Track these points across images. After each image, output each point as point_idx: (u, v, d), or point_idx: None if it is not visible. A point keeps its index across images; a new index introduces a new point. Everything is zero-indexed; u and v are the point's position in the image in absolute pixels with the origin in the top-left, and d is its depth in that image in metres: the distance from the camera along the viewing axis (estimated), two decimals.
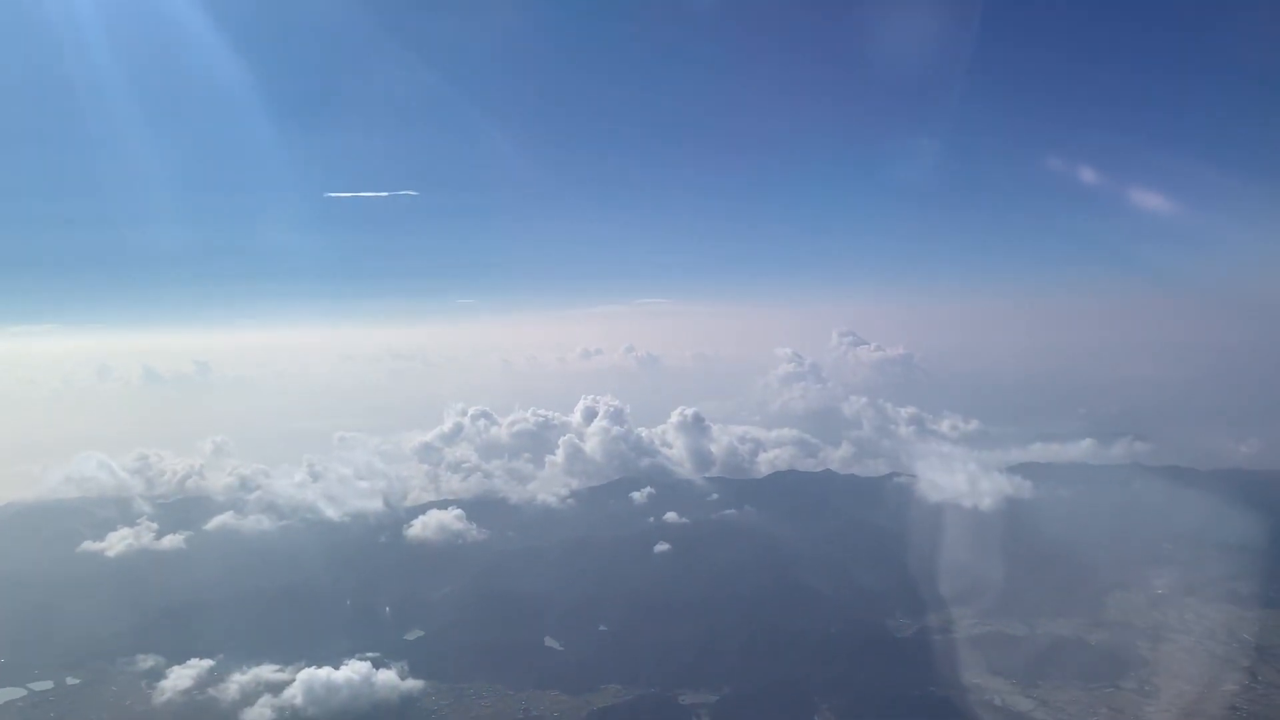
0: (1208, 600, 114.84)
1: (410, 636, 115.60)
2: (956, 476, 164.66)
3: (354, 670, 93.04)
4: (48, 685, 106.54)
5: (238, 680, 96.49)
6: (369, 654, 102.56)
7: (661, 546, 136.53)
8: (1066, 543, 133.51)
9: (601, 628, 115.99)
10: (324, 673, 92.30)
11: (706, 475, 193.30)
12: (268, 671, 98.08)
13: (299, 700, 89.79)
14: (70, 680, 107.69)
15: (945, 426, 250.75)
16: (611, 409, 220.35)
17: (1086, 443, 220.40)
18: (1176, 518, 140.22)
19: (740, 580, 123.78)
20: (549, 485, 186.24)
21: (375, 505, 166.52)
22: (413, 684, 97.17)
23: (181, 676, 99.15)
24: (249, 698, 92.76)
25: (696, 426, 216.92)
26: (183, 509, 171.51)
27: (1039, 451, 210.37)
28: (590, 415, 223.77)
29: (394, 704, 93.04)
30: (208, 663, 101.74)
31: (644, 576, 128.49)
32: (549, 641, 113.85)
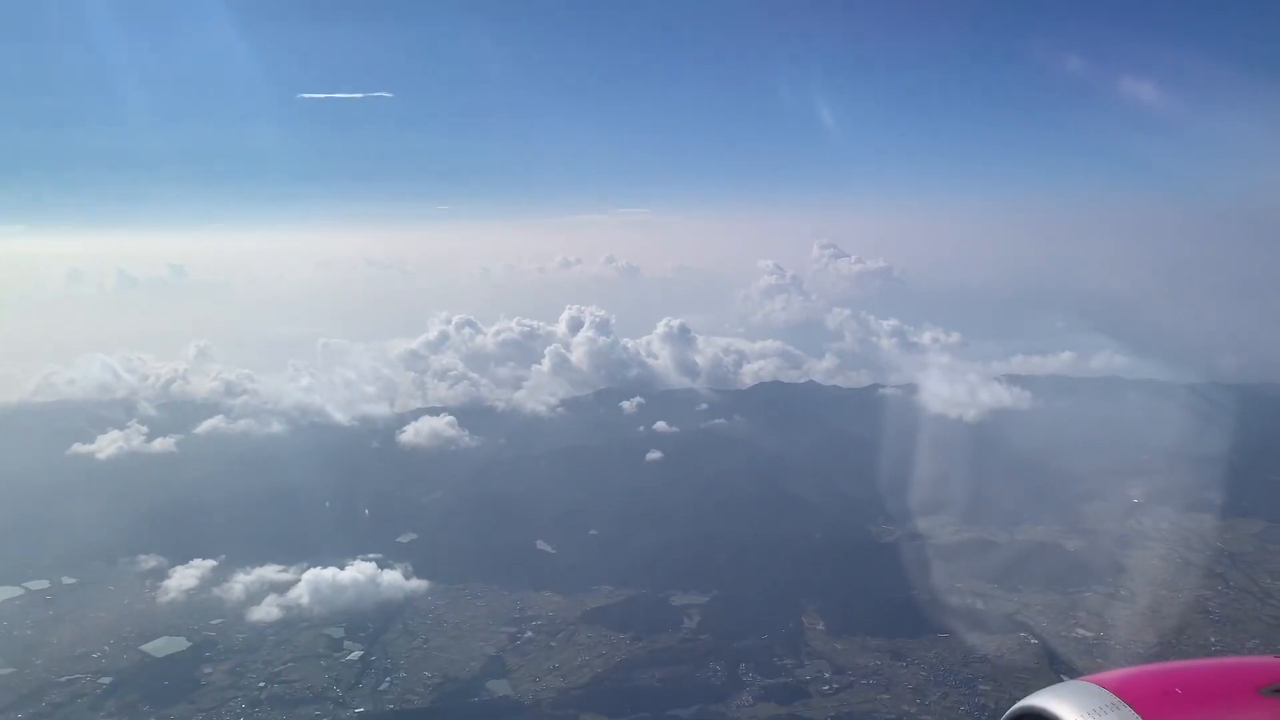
0: (1182, 509, 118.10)
1: (403, 539, 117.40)
2: (939, 387, 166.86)
3: (359, 570, 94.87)
4: (44, 585, 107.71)
5: (242, 580, 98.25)
6: (367, 555, 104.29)
7: (653, 454, 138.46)
8: (1045, 453, 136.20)
9: (592, 532, 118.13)
10: (329, 573, 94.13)
11: (692, 386, 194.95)
12: (271, 572, 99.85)
13: (305, 599, 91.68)
14: (66, 580, 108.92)
15: (927, 339, 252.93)
16: (597, 319, 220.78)
17: (1066, 355, 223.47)
18: (1153, 429, 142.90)
19: (728, 488, 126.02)
20: (536, 394, 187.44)
21: (365, 411, 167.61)
22: (417, 584, 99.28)
23: (185, 576, 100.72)
24: (254, 597, 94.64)
25: (682, 338, 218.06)
26: (171, 413, 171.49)
27: (1019, 364, 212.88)
28: (576, 325, 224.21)
29: (399, 603, 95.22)
30: (210, 563, 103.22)
31: (633, 483, 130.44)
32: (540, 545, 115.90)
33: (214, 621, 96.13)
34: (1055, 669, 79.87)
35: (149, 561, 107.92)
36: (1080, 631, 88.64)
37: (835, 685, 79.67)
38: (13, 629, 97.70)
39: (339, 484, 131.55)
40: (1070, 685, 3.25)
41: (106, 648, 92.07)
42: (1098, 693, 3.12)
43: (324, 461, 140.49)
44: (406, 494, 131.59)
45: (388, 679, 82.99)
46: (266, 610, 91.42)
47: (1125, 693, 3.09)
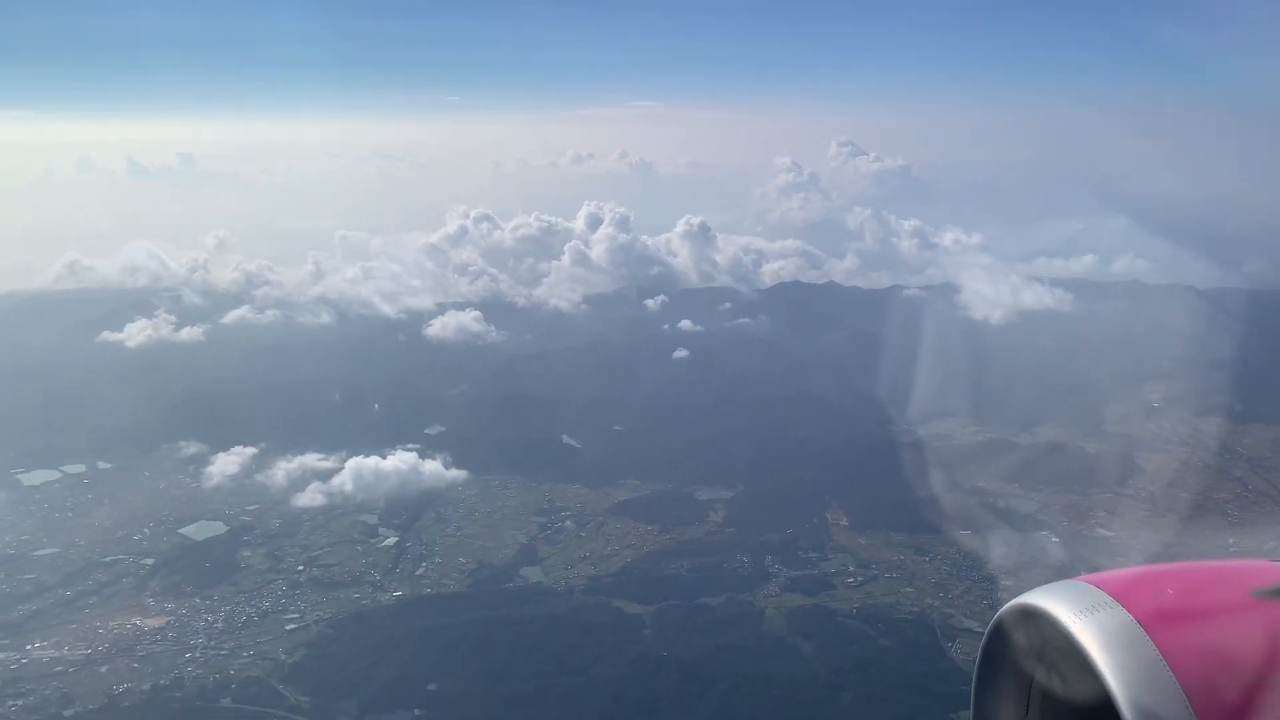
0: (1202, 414, 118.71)
1: (431, 431, 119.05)
2: (964, 288, 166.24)
3: (401, 459, 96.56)
4: (80, 469, 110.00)
5: (284, 467, 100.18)
6: (399, 446, 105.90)
7: (680, 353, 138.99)
8: (1065, 356, 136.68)
9: (616, 428, 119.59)
10: (371, 461, 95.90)
11: (711, 285, 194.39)
12: (313, 460, 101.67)
13: (349, 486, 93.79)
14: (102, 465, 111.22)
15: (948, 240, 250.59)
16: (616, 216, 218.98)
17: (1088, 259, 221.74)
18: (1174, 333, 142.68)
19: (751, 387, 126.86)
20: (557, 290, 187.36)
21: (390, 305, 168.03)
22: (456, 473, 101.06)
23: (227, 463, 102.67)
24: (297, 484, 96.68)
25: (703, 236, 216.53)
26: (196, 303, 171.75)
27: (1041, 267, 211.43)
28: (594, 222, 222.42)
29: (432, 492, 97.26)
30: (251, 450, 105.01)
31: (658, 381, 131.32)
32: (566, 440, 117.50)
33: (250, 507, 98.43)
34: (1076, 567, 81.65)
35: (188, 448, 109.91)
36: (1100, 531, 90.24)
37: (859, 578, 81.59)
38: (53, 511, 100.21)
39: (366, 376, 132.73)
40: (1063, 584, 3.31)
41: (146, 530, 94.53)
42: (1090, 591, 3.15)
43: (351, 354, 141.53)
44: (433, 387, 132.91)
45: (423, 564, 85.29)
46: (311, 497, 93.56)
47: (1117, 592, 3.09)
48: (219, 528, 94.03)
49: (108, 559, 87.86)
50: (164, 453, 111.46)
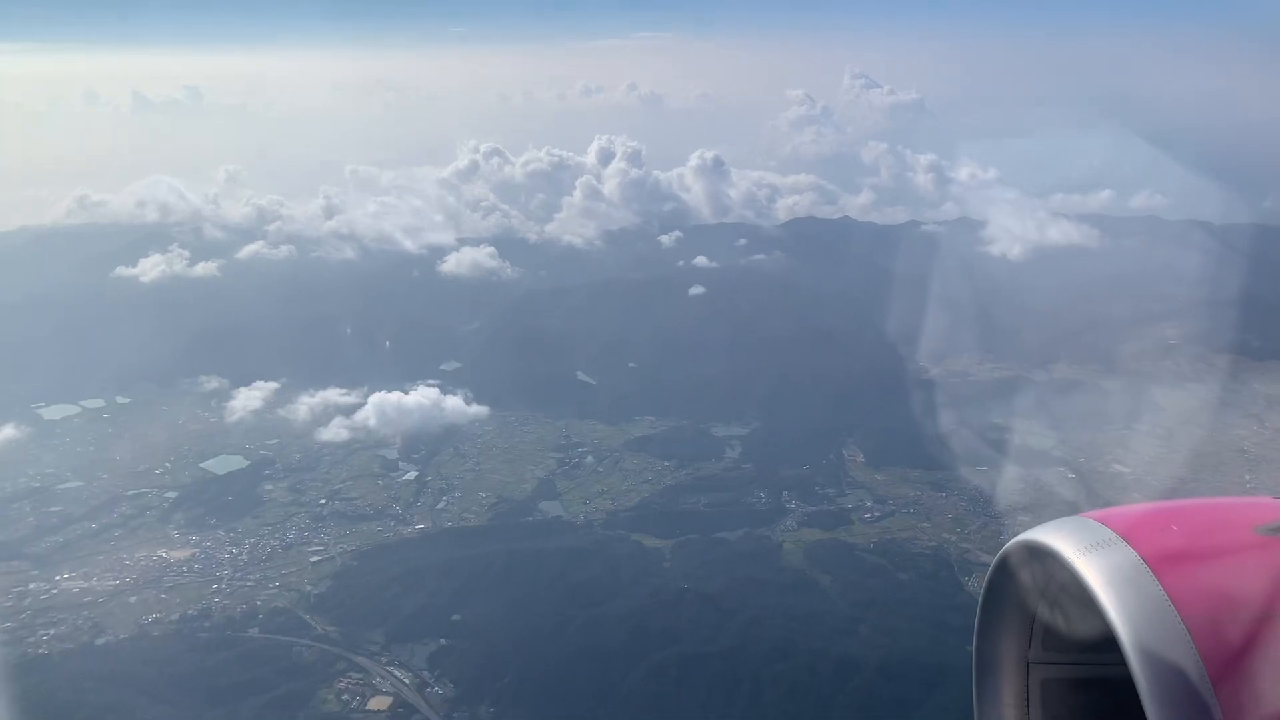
0: (1218, 350, 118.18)
1: (447, 367, 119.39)
2: (982, 223, 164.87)
3: (423, 395, 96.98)
4: (99, 403, 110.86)
5: (307, 402, 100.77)
6: (416, 383, 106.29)
7: (696, 289, 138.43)
8: (1083, 291, 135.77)
9: (631, 365, 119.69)
10: (394, 396, 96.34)
11: (725, 221, 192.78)
12: (335, 395, 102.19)
13: (372, 422, 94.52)
14: (120, 399, 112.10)
15: (964, 175, 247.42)
16: (629, 150, 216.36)
17: (1105, 193, 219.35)
18: (1192, 269, 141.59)
19: (767, 323, 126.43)
20: (568, 226, 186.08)
21: (404, 240, 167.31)
22: (478, 409, 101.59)
23: (250, 397, 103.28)
24: (320, 419, 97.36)
25: (716, 170, 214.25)
26: (209, 238, 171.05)
27: (1058, 202, 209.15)
28: (606, 156, 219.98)
29: (458, 427, 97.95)
30: (273, 385, 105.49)
31: (672, 317, 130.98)
32: (581, 376, 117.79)
33: (269, 442, 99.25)
34: (1092, 503, 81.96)
35: (208, 383, 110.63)
36: (1117, 467, 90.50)
37: (876, 513, 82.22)
38: (75, 445, 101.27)
39: (382, 312, 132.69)
40: (1067, 520, 3.26)
41: (168, 464, 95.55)
42: (1094, 528, 3.13)
43: (365, 289, 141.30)
44: (447, 323, 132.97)
45: (444, 498, 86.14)
46: (335, 432, 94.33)
47: (1121, 528, 3.08)
48: (240, 462, 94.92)
49: (131, 492, 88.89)
50: (183, 388, 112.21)
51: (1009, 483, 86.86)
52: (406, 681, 58.50)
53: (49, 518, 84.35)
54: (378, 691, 57.48)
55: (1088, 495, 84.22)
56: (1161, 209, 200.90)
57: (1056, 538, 3.17)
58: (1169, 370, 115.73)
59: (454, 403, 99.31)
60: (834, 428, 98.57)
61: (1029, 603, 3.51)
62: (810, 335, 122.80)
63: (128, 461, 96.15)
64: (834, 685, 55.88)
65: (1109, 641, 2.85)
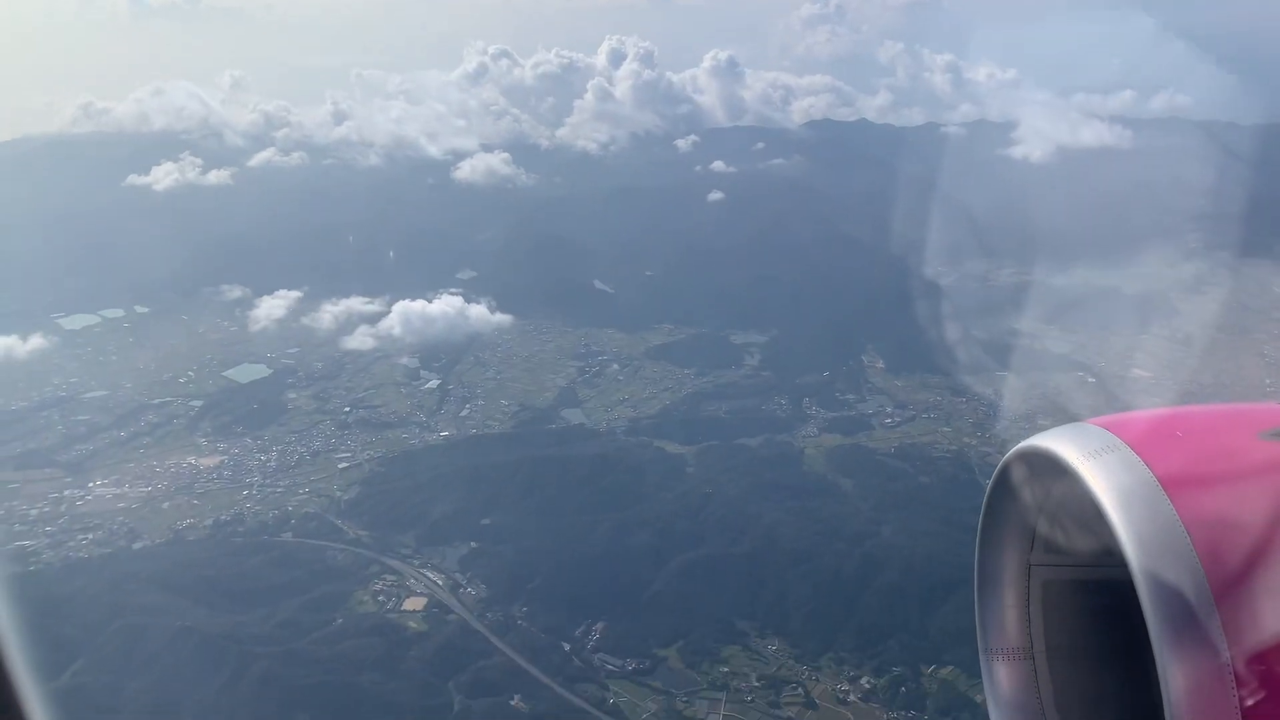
0: (1240, 255, 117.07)
1: (463, 275, 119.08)
2: (999, 125, 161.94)
3: (447, 304, 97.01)
4: (119, 313, 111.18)
5: (330, 311, 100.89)
6: (438, 291, 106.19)
7: (715, 195, 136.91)
8: (1103, 195, 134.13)
9: (648, 273, 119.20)
10: (418, 305, 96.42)
11: (740, 123, 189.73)
12: (358, 303, 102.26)
13: (397, 330, 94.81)
14: (139, 309, 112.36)
15: (982, 75, 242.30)
16: (640, 51, 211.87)
17: (1126, 94, 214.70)
18: (1215, 172, 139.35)
19: (786, 229, 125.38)
20: (581, 131, 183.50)
21: (415, 147, 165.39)
22: (502, 318, 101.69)
23: (272, 306, 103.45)
24: (345, 327, 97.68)
25: (730, 71, 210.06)
26: (219, 146, 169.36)
27: (1079, 103, 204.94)
28: (617, 58, 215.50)
29: (479, 336, 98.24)
30: (295, 294, 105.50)
31: (690, 224, 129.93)
32: (598, 285, 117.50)
33: (290, 351, 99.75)
34: (1112, 407, 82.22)
35: (230, 291, 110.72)
36: (1137, 372, 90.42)
37: (897, 419, 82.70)
38: (97, 354, 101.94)
39: (396, 220, 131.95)
40: (1072, 427, 3.23)
41: (191, 373, 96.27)
42: (1098, 433, 3.12)
43: (379, 197, 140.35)
44: (462, 231, 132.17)
45: (467, 406, 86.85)
46: (360, 340, 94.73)
47: (1125, 434, 3.07)
48: (262, 370, 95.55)
49: (156, 401, 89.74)
50: (202, 297, 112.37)
51: (1028, 387, 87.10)
52: (439, 583, 59.80)
53: (77, 426, 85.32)
54: (412, 593, 58.82)
55: (1107, 400, 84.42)
56: (1184, 110, 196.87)
57: (1059, 443, 3.17)
58: (1190, 274, 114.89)
59: (478, 311, 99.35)
60: (853, 334, 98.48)
61: (1032, 507, 3.53)
62: (829, 241, 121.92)
63: (151, 370, 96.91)
64: (857, 585, 56.97)
65: (1110, 545, 2.87)
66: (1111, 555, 2.89)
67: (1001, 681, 3.67)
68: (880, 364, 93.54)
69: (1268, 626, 2.66)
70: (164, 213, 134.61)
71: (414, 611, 57.02)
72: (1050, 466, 3.22)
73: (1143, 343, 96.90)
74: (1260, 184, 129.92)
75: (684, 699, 50.34)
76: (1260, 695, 2.60)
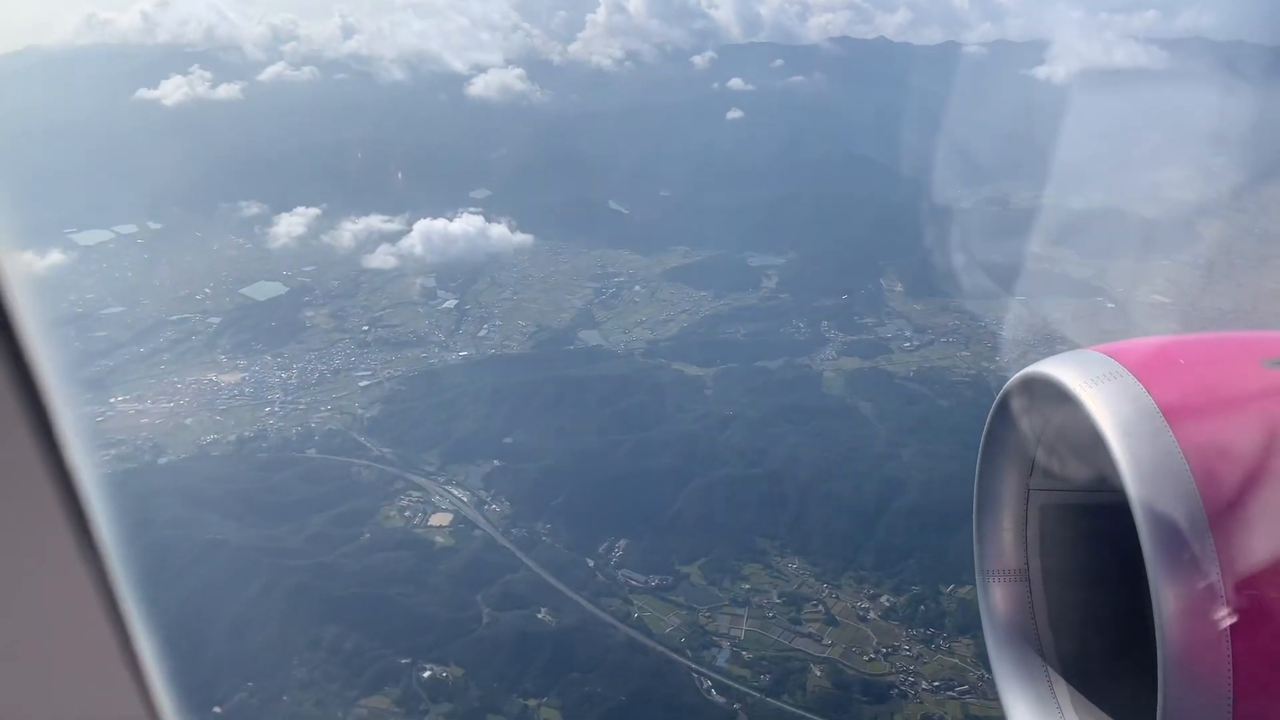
0: (1261, 178, 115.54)
1: (477, 194, 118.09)
2: (1020, 45, 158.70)
3: (469, 223, 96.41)
4: (132, 229, 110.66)
5: (350, 229, 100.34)
6: (455, 209, 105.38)
7: (734, 114, 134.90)
8: (1123, 116, 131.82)
9: (664, 193, 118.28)
10: (440, 224, 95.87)
11: (757, 40, 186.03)
12: (378, 221, 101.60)
13: (418, 249, 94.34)
14: (152, 225, 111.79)
15: None
16: None
17: (1150, 14, 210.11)
18: (1237, 93, 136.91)
19: (803, 149, 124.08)
20: (593, 46, 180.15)
21: (428, 61, 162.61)
22: (522, 238, 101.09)
23: (292, 223, 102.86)
24: (365, 245, 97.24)
25: None
26: (227, 59, 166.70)
27: (1101, 21, 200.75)
28: None
29: (495, 256, 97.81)
30: (314, 211, 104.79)
31: (706, 143, 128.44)
32: (613, 205, 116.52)
33: (306, 269, 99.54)
34: (1131, 333, 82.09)
35: (247, 208, 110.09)
36: (1156, 297, 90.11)
37: (915, 342, 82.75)
38: (112, 270, 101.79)
39: (408, 136, 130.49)
40: (1074, 353, 3.21)
41: (207, 290, 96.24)
42: (1101, 360, 3.10)
43: (392, 113, 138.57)
44: (475, 149, 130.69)
45: (485, 326, 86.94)
46: (382, 259, 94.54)
47: (1128, 361, 3.06)
48: (279, 288, 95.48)
49: (174, 318, 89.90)
50: (220, 213, 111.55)
51: (1048, 312, 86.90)
52: (464, 500, 60.52)
53: (95, 342, 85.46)
54: (437, 509, 59.58)
55: (1126, 325, 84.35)
56: (1209, 29, 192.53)
57: (1062, 370, 3.16)
58: (1210, 198, 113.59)
59: (499, 231, 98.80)
60: (871, 256, 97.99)
61: (1033, 432, 3.53)
62: (847, 162, 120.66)
63: (167, 287, 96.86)
64: (878, 505, 57.61)
65: (1108, 471, 2.89)
66: (1109, 481, 2.91)
67: (997, 602, 3.72)
68: (899, 287, 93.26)
69: (1260, 552, 2.70)
70: (175, 127, 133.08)
71: (440, 527, 57.83)
72: (1052, 393, 3.22)
73: (1162, 268, 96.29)
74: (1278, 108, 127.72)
75: (706, 614, 51.26)
76: (1249, 618, 2.64)
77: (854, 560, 54.55)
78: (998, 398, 3.58)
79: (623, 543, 56.14)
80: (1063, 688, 3.60)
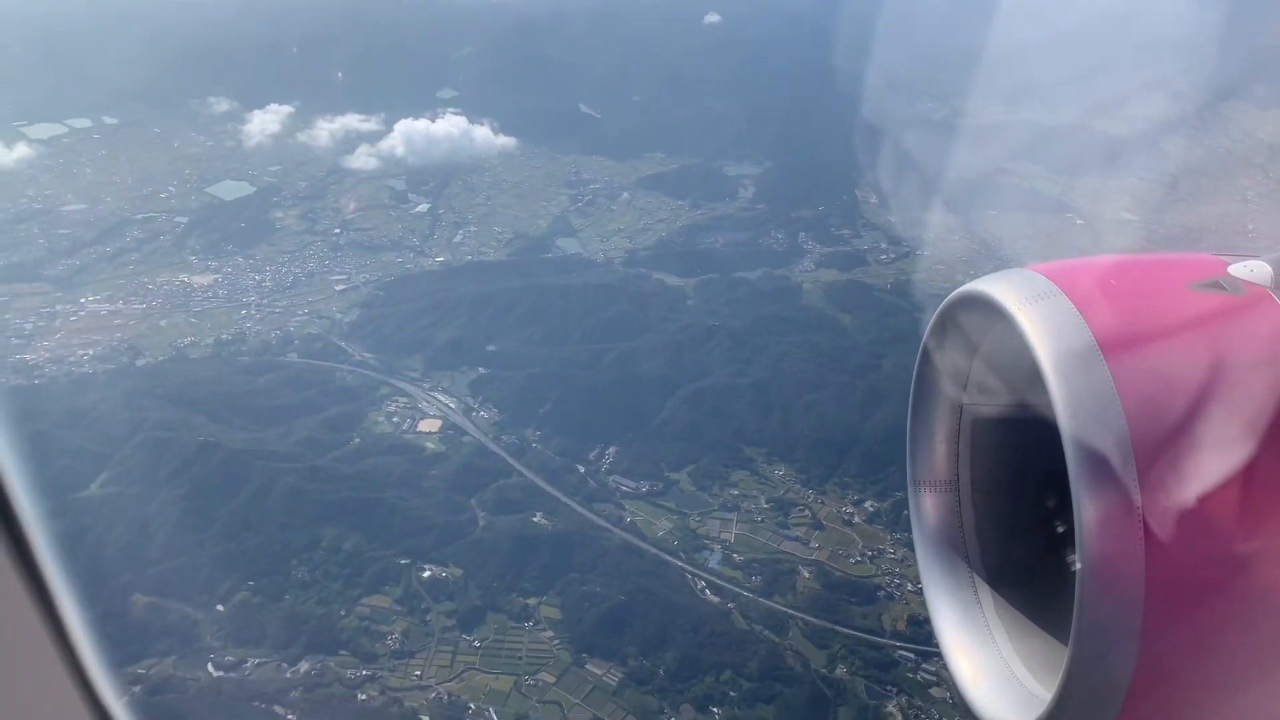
0: (1224, 97, 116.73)
1: (443, 95, 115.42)
2: None
3: (451, 123, 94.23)
4: (86, 124, 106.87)
5: (326, 128, 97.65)
6: (434, 111, 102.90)
7: (711, 18, 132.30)
8: (1096, 30, 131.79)
9: (636, 98, 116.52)
10: (422, 124, 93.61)
11: None
12: (355, 121, 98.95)
13: (400, 150, 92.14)
14: (107, 119, 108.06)
15: None
16: None
17: None
18: (1199, 10, 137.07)
19: (779, 57, 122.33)
20: None
21: None
22: (506, 140, 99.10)
23: (266, 121, 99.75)
24: (343, 146, 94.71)
25: None
26: None
27: None
28: None
29: (475, 161, 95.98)
30: (287, 109, 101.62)
31: (678, 48, 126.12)
32: (585, 109, 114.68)
33: (272, 168, 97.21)
34: (1100, 250, 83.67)
35: (216, 104, 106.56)
36: (1124, 214, 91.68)
37: (892, 255, 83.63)
38: (70, 166, 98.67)
39: (370, 34, 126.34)
40: (1010, 272, 3.38)
41: (171, 188, 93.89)
42: (1036, 279, 3.27)
43: (352, 10, 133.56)
44: (439, 48, 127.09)
45: (460, 232, 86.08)
46: (362, 160, 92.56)
47: (1062, 281, 3.22)
48: (246, 188, 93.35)
49: (139, 216, 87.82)
50: (186, 109, 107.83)
51: (1018, 227, 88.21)
52: (452, 406, 60.75)
53: (59, 240, 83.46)
54: (425, 415, 59.78)
55: (1094, 241, 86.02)
56: None
57: (997, 288, 3.28)
58: (1175, 117, 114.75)
59: (483, 133, 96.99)
60: (848, 167, 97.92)
61: (968, 348, 3.65)
62: (823, 72, 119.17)
63: (129, 184, 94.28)
64: (860, 415, 58.93)
65: (1038, 387, 3.04)
66: (1038, 395, 3.04)
67: (927, 511, 3.85)
68: (874, 199, 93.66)
69: (1176, 471, 2.87)
70: (125, 19, 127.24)
71: (430, 433, 58.11)
72: (988, 310, 3.33)
73: (1129, 185, 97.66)
74: (1243, 25, 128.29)
75: (697, 518, 52.56)
76: (1165, 537, 2.83)
77: (839, 467, 55.94)
78: (935, 313, 3.64)
79: (612, 450, 56.92)
80: (987, 593, 3.73)
